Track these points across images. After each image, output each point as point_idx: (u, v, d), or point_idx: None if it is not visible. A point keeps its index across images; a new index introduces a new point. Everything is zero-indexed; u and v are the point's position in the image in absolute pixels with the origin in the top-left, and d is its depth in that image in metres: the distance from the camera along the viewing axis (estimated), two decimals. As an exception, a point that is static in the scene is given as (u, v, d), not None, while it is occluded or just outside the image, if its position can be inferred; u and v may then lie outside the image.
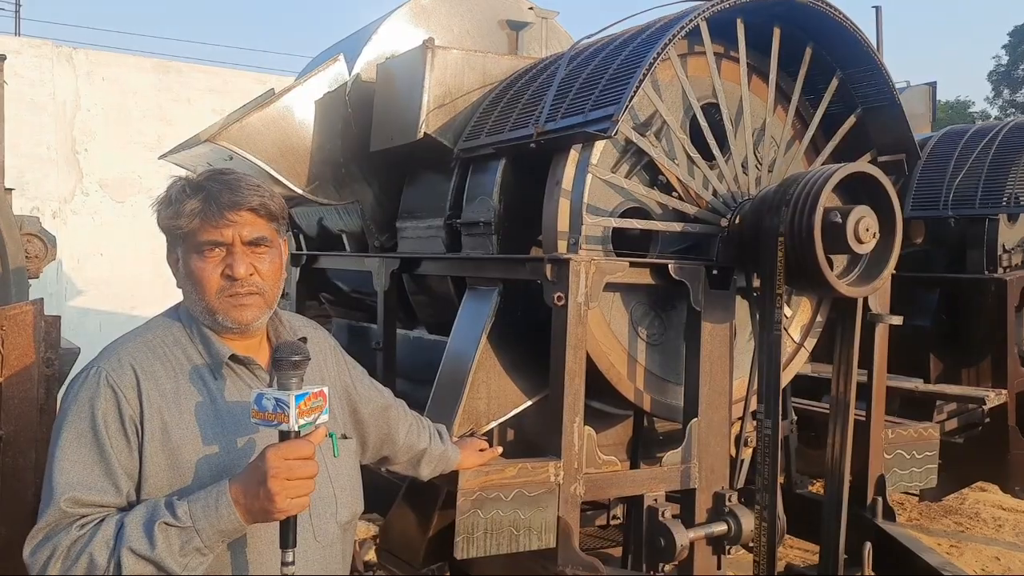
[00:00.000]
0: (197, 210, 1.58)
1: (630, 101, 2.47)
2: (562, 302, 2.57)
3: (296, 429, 1.47)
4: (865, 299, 2.91)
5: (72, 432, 1.52)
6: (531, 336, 2.97)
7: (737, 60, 2.97)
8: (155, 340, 1.63)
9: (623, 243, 2.89)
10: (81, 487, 1.48)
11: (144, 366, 1.58)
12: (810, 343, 3.32)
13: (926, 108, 6.15)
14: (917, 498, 5.70)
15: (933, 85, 6.29)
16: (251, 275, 1.61)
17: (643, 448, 3.22)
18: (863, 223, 2.54)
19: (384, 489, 3.67)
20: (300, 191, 3.58)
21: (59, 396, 1.70)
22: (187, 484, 1.54)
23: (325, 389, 1.54)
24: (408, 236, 3.66)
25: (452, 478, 2.49)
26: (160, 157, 4.08)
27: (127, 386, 1.54)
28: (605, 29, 3.03)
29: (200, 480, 1.54)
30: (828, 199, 2.54)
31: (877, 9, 4.68)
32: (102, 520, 1.47)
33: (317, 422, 1.52)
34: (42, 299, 2.14)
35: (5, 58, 2.50)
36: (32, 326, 1.87)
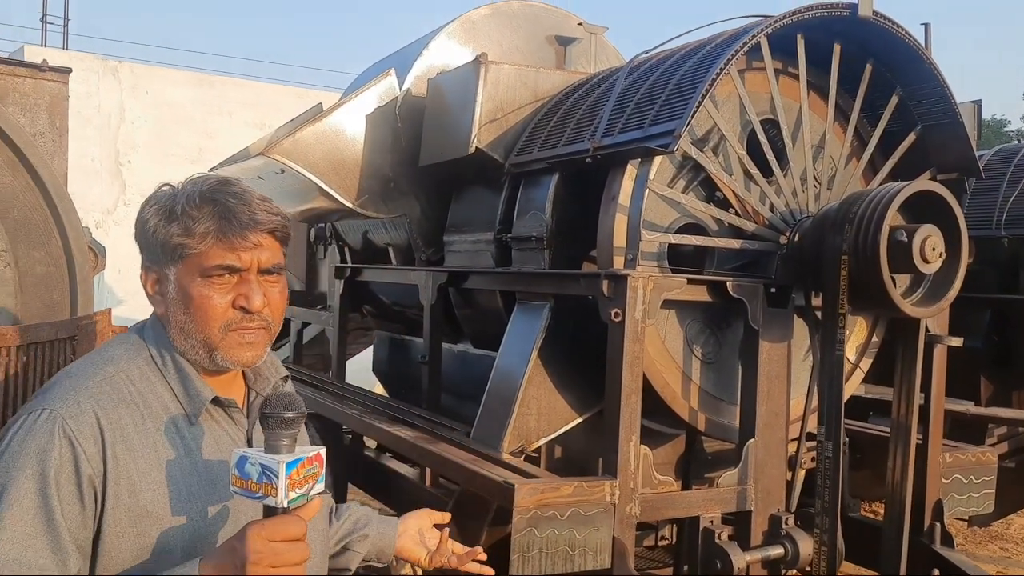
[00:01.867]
0: (212, 229, 1.32)
1: (692, 116, 2.45)
2: (619, 318, 2.54)
3: (285, 505, 1.19)
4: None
5: (13, 493, 1.21)
6: (581, 352, 2.95)
7: (794, 76, 2.94)
8: (119, 377, 1.34)
9: (676, 259, 2.86)
10: (18, 565, 1.19)
11: (108, 413, 1.28)
12: (865, 363, 3.26)
13: (972, 126, 6.06)
14: (963, 522, 5.57)
15: (978, 103, 6.20)
16: (264, 307, 1.37)
17: (692, 468, 3.18)
18: (929, 242, 2.49)
19: (429, 503, 3.65)
20: (350, 204, 3.60)
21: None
22: (156, 557, 1.28)
23: (322, 451, 1.25)
24: (455, 250, 3.66)
25: (504, 494, 2.46)
26: (211, 170, 4.12)
27: (87, 438, 1.25)
28: (662, 44, 3.02)
29: (170, 553, 1.28)
30: (893, 218, 2.50)
31: (926, 26, 4.62)
32: None
33: (311, 494, 1.22)
34: (109, 309, 2.16)
35: (71, 71, 2.54)
36: (104, 336, 1.88)
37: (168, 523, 1.29)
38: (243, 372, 1.45)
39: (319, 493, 1.24)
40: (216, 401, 1.38)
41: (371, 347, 4.98)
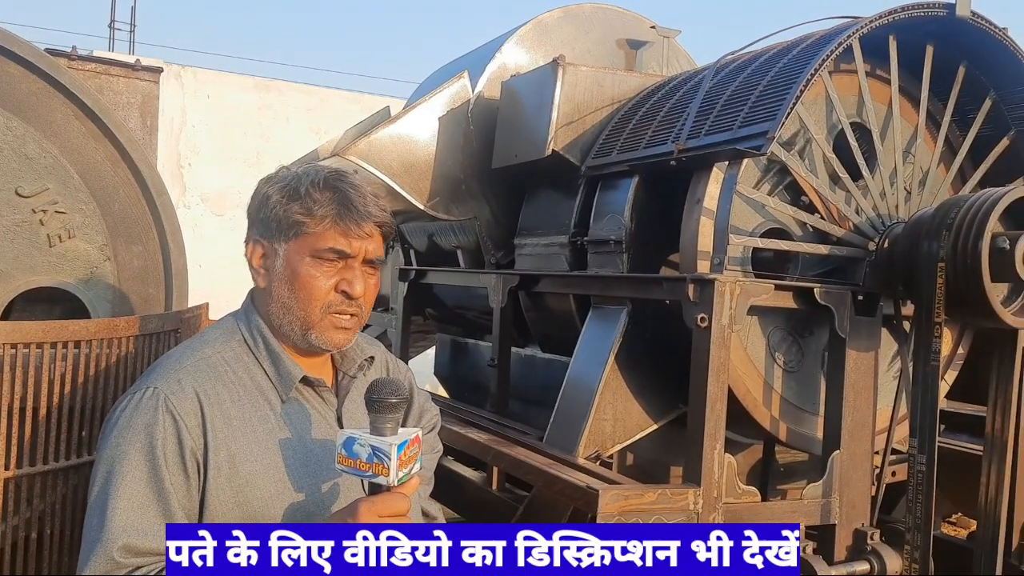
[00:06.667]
0: (331, 213, 1.38)
1: (786, 117, 2.40)
2: (705, 324, 2.49)
3: (394, 483, 1.26)
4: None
5: (125, 465, 1.29)
6: (656, 358, 2.90)
7: (882, 79, 2.87)
8: (215, 357, 1.41)
9: (756, 264, 2.80)
10: (136, 532, 1.27)
11: (207, 390, 1.36)
12: (950, 376, 3.16)
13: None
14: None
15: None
16: (362, 295, 1.44)
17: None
18: (1032, 250, 2.40)
19: (495, 506, 3.63)
20: (421, 206, 3.61)
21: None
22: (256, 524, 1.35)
23: (420, 433, 1.33)
24: (527, 253, 3.63)
25: (587, 498, 2.43)
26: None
27: (189, 413, 1.33)
28: (748, 47, 2.97)
29: (269, 521, 1.35)
30: (994, 225, 2.41)
31: None
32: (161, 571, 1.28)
33: (412, 472, 1.30)
34: (207, 303, 2.17)
35: (162, 71, 2.57)
36: (203, 328, 1.90)
37: (266, 493, 1.36)
38: (331, 354, 1.51)
39: (418, 472, 1.33)
40: (306, 380, 1.44)
41: (429, 350, 4.97)
